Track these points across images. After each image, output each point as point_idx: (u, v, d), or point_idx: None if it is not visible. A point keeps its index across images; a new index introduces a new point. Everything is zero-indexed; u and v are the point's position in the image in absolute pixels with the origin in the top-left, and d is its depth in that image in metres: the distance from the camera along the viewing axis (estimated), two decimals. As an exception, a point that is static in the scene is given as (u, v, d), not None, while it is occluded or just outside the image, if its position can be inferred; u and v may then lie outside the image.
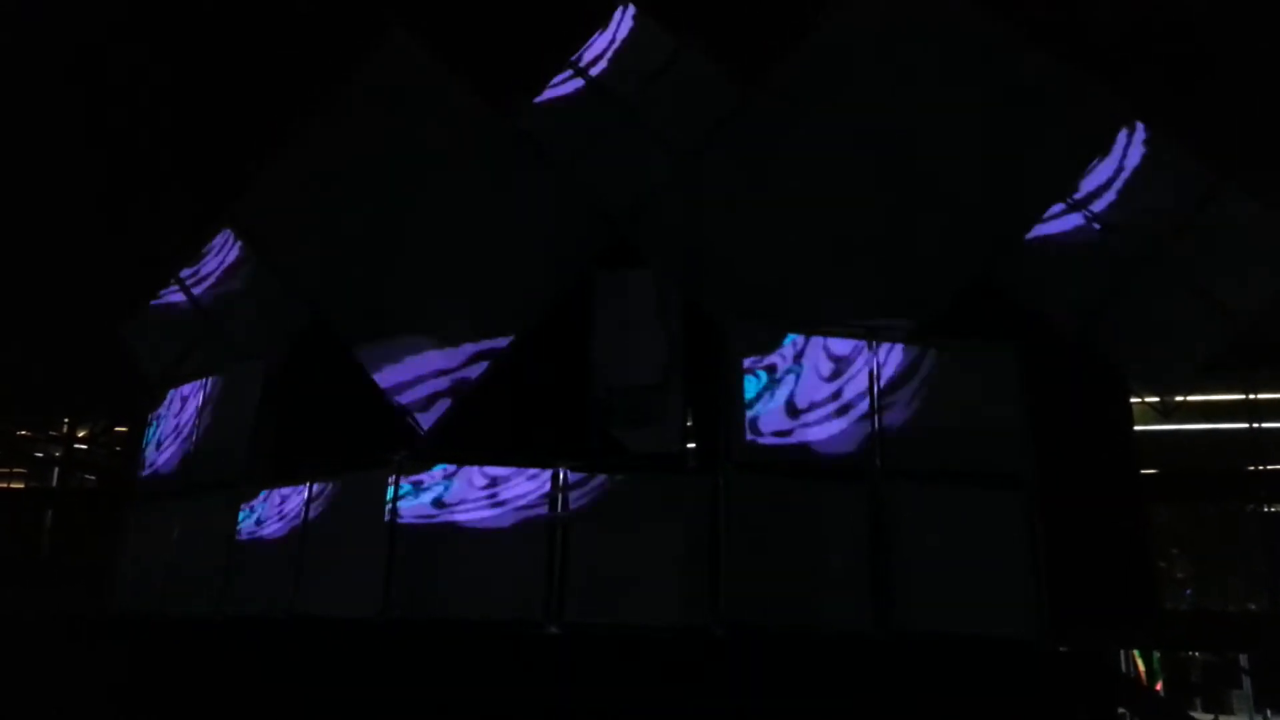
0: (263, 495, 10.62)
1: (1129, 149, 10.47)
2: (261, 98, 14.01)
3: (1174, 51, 12.19)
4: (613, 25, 11.70)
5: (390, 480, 9.44)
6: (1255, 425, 16.34)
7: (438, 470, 9.67)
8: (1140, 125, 10.43)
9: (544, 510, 9.26)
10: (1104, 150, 10.48)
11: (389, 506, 9.34)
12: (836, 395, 9.62)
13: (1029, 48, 10.54)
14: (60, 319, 16.68)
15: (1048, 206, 10.49)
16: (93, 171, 15.91)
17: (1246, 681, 17.36)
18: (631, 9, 11.63)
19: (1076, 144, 10.51)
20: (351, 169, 11.91)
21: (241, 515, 10.60)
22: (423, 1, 13.14)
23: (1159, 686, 17.18)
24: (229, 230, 12.58)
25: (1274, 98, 12.09)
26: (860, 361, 9.72)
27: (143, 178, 15.43)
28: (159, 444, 12.24)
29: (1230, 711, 17.83)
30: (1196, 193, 10.28)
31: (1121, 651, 14.89)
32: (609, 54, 11.70)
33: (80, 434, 22.16)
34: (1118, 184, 10.47)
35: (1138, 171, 10.51)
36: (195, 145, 14.54)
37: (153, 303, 13.16)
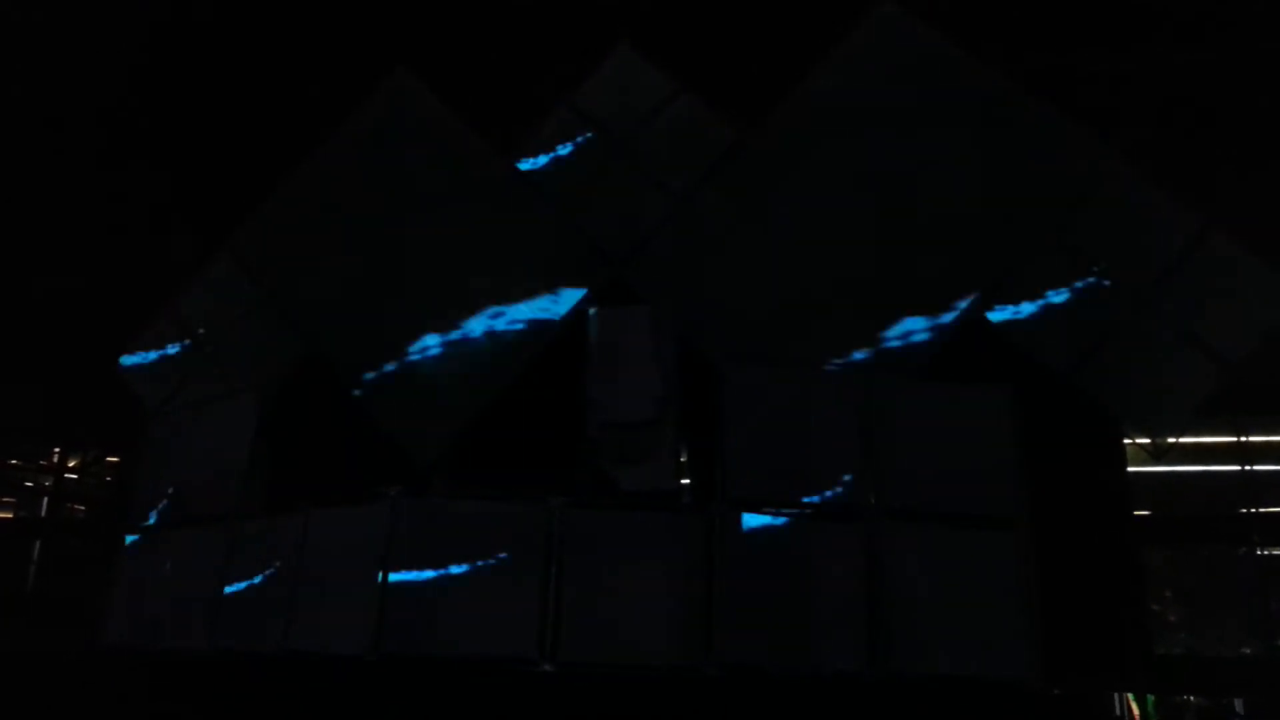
0: (255, 529, 10.56)
1: (1119, 193, 10.61)
2: (262, 131, 14.12)
3: (1164, 100, 12.38)
4: (611, 66, 11.85)
5: (384, 515, 9.40)
6: (1247, 468, 16.37)
7: (432, 505, 9.64)
8: (1130, 170, 10.57)
9: (538, 547, 9.23)
10: (1096, 194, 10.62)
11: (383, 542, 9.30)
12: (831, 435, 9.65)
13: (1022, 94, 10.73)
14: (53, 348, 16.65)
15: (1040, 249, 10.61)
16: (91, 200, 15.97)
17: (1241, 726, 17.23)
18: (630, 51, 11.79)
19: (1069, 187, 10.66)
20: (350, 203, 12.01)
21: (234, 549, 10.53)
22: (423, 40, 13.33)
23: (1153, 730, 17.04)
24: (228, 262, 12.63)
25: (1262, 144, 12.26)
26: (854, 401, 9.75)
27: (141, 207, 15.48)
28: (151, 476, 12.18)
29: (1225, 756, 17.66)
30: (1186, 237, 10.40)
31: (1115, 695, 14.80)
32: (607, 94, 11.84)
33: (71, 464, 22.01)
34: (1109, 228, 10.60)
35: (1128, 215, 10.64)
36: (195, 177, 14.62)
37: (149, 334, 13.18)
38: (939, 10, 11.03)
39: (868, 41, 11.08)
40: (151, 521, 11.79)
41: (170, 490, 11.79)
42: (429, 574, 9.23)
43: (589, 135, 11.80)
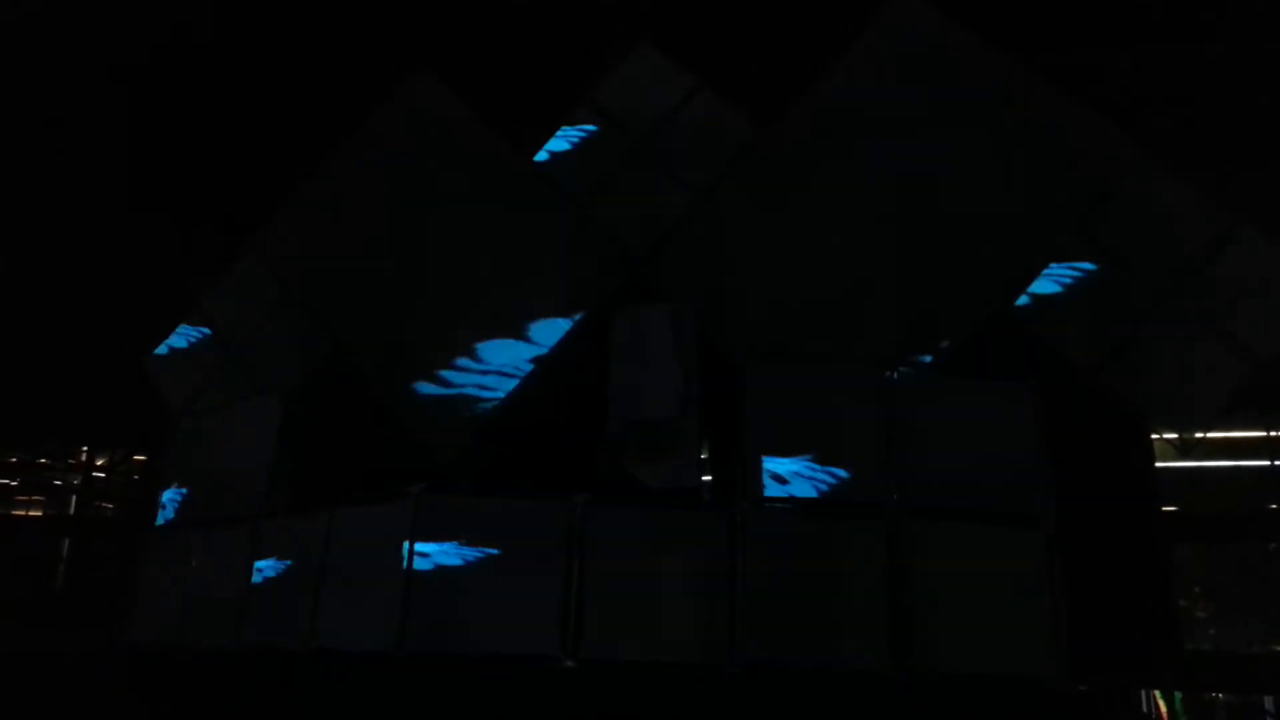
0: (280, 527, 10.64)
1: (1145, 189, 10.50)
2: (288, 131, 14.20)
3: (1190, 95, 12.23)
4: (631, 64, 11.83)
5: (407, 513, 9.44)
6: (1277, 463, 16.17)
7: (455, 502, 9.67)
8: (1156, 166, 10.46)
9: (560, 545, 9.24)
10: (1121, 188, 10.52)
11: (406, 540, 9.34)
12: (854, 432, 9.60)
13: (1044, 88, 10.63)
14: (82, 347, 16.82)
15: (1063, 245, 10.51)
16: (118, 201, 16.12)
17: (1271, 724, 17.03)
18: (650, 48, 11.77)
19: (1093, 182, 10.56)
20: (374, 203, 12.08)
21: (258, 547, 10.62)
22: (444, 40, 13.36)
23: (1181, 728, 16.89)
24: (253, 263, 12.72)
25: (1264, 144, 12.08)
26: (877, 398, 9.70)
27: (168, 209, 15.61)
28: (177, 475, 12.28)
29: (1255, 754, 17.47)
30: (1213, 233, 10.28)
31: (1143, 692, 14.67)
32: (627, 93, 11.83)
33: (99, 462, 22.24)
34: (1134, 224, 10.49)
35: (1153, 210, 10.52)
36: (222, 178, 14.73)
37: (175, 333, 13.29)
38: (960, 5, 10.93)
39: (887, 35, 11.02)
40: (178, 520, 11.89)
41: (196, 489, 11.89)
42: (452, 571, 9.26)
43: (610, 133, 11.78)
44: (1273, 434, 16.28)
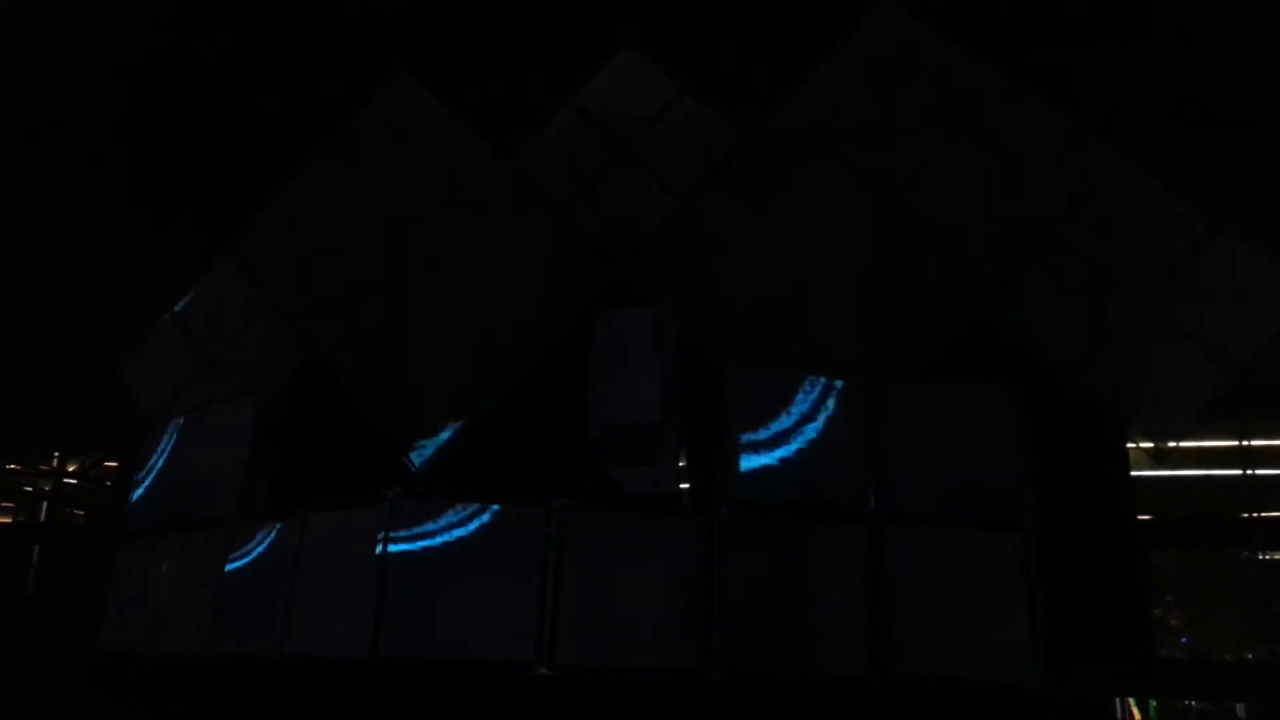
0: (254, 532, 10.53)
1: (1124, 192, 10.60)
2: (264, 134, 14.12)
3: (1169, 99, 12.36)
4: (614, 67, 11.84)
5: (382, 517, 9.36)
6: (1250, 472, 16.31)
7: (431, 508, 9.60)
8: (1134, 170, 10.56)
9: (537, 550, 9.19)
10: (1099, 192, 10.61)
11: (380, 545, 9.25)
12: (833, 436, 9.61)
13: (1024, 92, 10.74)
14: (53, 352, 16.64)
15: (1043, 249, 10.59)
16: (91, 204, 15.96)
17: (1244, 731, 17.17)
18: (633, 52, 11.78)
19: (1072, 185, 10.65)
20: (353, 207, 12.00)
21: (232, 553, 10.50)
22: (424, 42, 13.33)
23: (1155, 735, 17.01)
24: (229, 266, 12.61)
25: (1264, 145, 12.22)
26: (857, 402, 9.72)
27: (143, 212, 15.47)
28: (150, 480, 12.14)
29: (1228, 761, 17.61)
30: (1191, 237, 10.38)
31: (1117, 698, 14.75)
32: (610, 96, 11.83)
33: (71, 468, 21.99)
34: (1112, 227, 10.58)
35: (1132, 215, 10.62)
36: (198, 181, 14.61)
37: (149, 338, 13.16)
38: (940, 8, 11.03)
39: (869, 41, 11.11)
40: (150, 526, 11.74)
41: (169, 495, 11.75)
42: (427, 576, 9.19)
43: (592, 136, 11.77)
44: (1245, 443, 16.43)
